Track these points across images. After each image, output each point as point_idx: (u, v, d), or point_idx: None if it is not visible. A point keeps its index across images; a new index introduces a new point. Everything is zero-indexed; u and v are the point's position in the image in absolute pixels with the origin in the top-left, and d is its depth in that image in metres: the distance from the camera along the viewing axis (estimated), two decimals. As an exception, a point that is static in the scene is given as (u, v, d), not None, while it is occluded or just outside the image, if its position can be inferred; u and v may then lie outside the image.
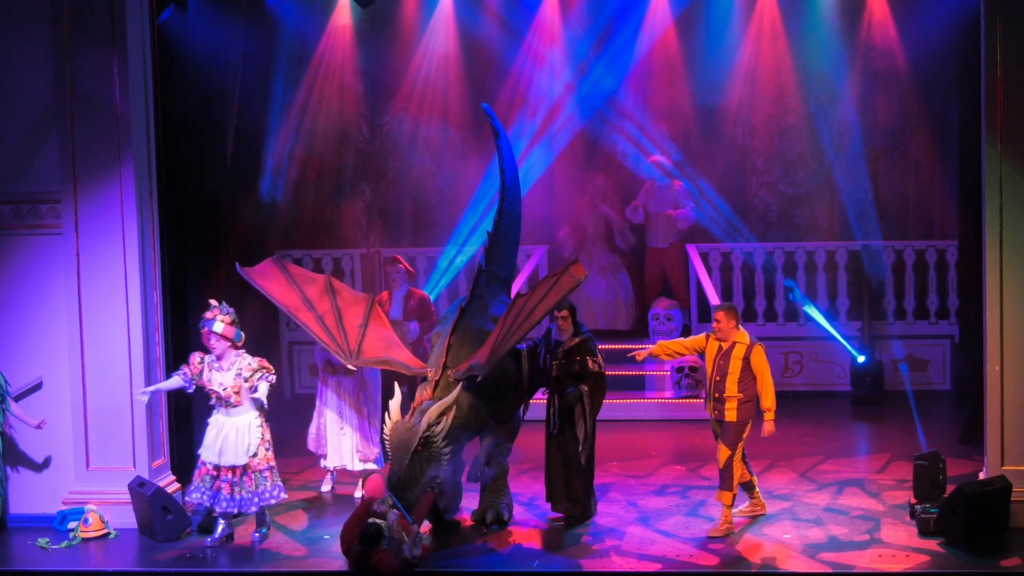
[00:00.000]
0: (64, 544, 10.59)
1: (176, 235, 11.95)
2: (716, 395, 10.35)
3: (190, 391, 10.57)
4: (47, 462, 11.13)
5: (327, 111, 15.82)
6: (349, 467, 11.66)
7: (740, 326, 10.40)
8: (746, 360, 10.24)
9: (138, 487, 10.63)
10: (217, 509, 10.35)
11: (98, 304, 10.99)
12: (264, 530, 10.56)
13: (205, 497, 10.34)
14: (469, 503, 10.91)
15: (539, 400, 11.11)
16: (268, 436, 10.47)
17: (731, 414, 10.28)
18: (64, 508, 10.98)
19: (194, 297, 12.54)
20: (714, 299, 13.90)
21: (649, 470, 12.23)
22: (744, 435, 10.34)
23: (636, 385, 14.26)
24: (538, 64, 15.65)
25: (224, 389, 10.32)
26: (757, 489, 10.69)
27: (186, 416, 11.91)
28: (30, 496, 11.04)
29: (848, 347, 14.70)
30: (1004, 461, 10.53)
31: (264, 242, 14.91)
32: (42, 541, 10.61)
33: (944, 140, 15.31)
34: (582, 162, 15.78)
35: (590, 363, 10.60)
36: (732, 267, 15.37)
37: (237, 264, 10.96)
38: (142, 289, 11.05)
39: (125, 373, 10.93)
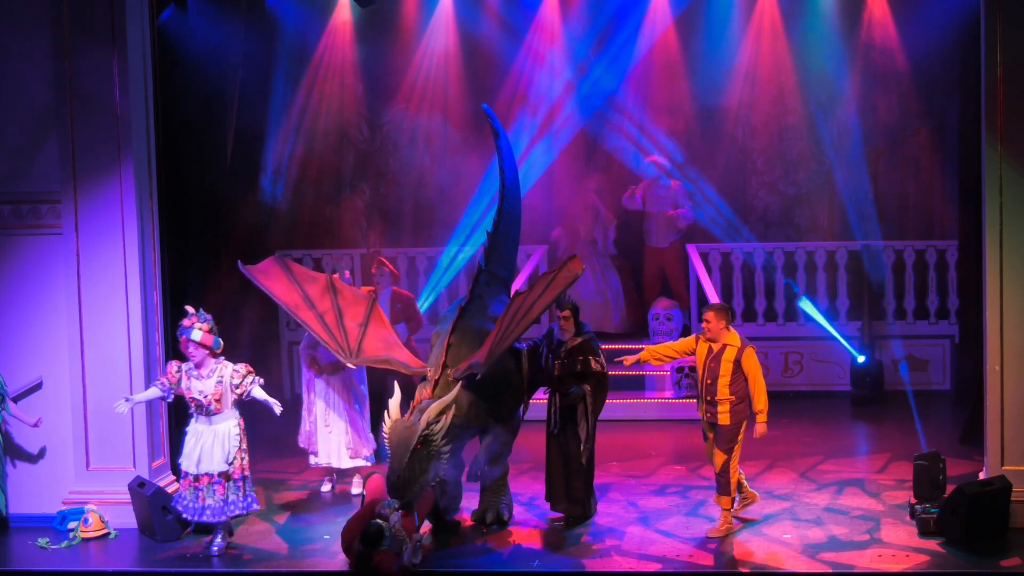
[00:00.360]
0: (64, 544, 10.59)
1: (176, 235, 11.95)
2: (708, 398, 10.33)
3: (169, 400, 10.48)
4: (47, 462, 11.13)
5: (327, 111, 15.82)
6: (335, 464, 11.69)
7: (730, 327, 10.38)
8: (737, 363, 10.22)
9: (138, 487, 10.63)
10: (192, 519, 10.23)
11: (98, 304, 10.99)
12: (223, 543, 10.32)
13: (186, 507, 10.20)
14: (469, 503, 10.91)
15: (539, 400, 11.11)
16: (245, 444, 10.35)
17: (724, 417, 10.27)
18: (64, 508, 10.99)
19: (194, 297, 12.52)
20: (714, 299, 13.89)
21: (649, 470, 12.23)
22: (739, 438, 10.33)
23: (636, 385, 14.27)
24: (538, 64, 15.65)
25: (205, 397, 10.20)
26: (745, 483, 10.65)
27: (186, 416, 11.88)
28: (30, 496, 11.04)
29: (848, 347, 14.70)
30: (1004, 461, 10.53)
31: (264, 242, 14.92)
32: (42, 541, 10.61)
33: (944, 140, 15.31)
34: (582, 162, 15.77)
35: (592, 363, 10.60)
36: (732, 267, 15.37)
37: (239, 261, 10.96)
38: (142, 289, 11.05)
39: (125, 373, 10.93)
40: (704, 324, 10.35)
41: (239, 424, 10.34)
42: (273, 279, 10.96)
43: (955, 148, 14.77)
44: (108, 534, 10.75)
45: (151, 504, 10.52)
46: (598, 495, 11.00)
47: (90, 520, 10.69)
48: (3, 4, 11.01)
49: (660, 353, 10.71)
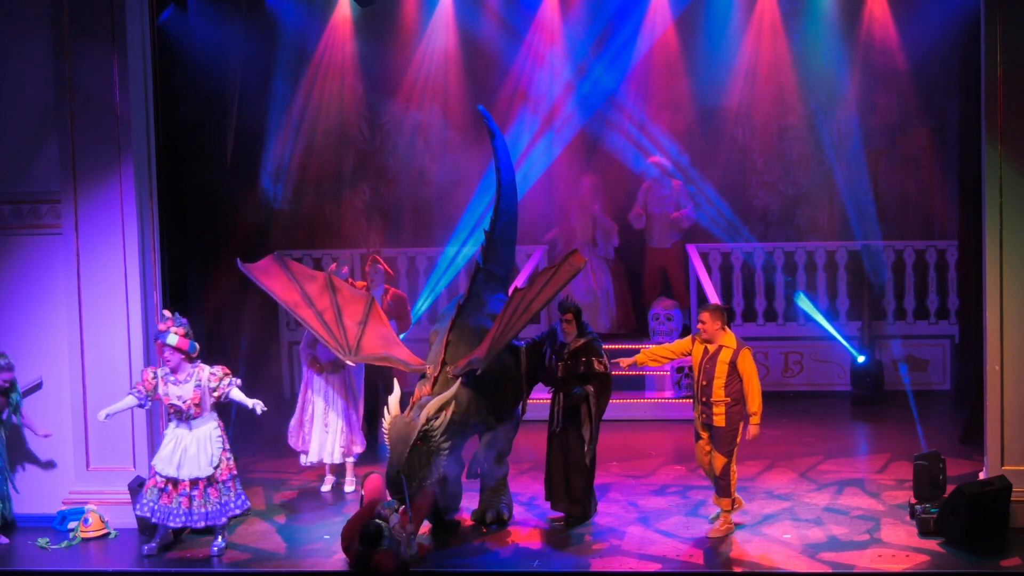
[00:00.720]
0: (64, 544, 10.59)
1: (176, 235, 11.95)
2: (703, 399, 10.33)
3: (145, 408, 10.40)
4: (47, 462, 11.13)
5: (327, 111, 15.82)
6: (327, 461, 11.70)
7: (727, 328, 10.37)
8: (732, 364, 10.21)
9: (138, 487, 10.62)
10: (172, 524, 10.17)
11: (98, 304, 10.99)
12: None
13: (152, 510, 10.12)
14: (469, 503, 10.91)
15: (538, 399, 11.11)
16: (227, 445, 10.35)
17: (719, 419, 10.26)
18: (64, 508, 10.99)
19: (194, 297, 12.57)
20: (714, 299, 13.88)
21: (649, 470, 12.23)
22: (738, 440, 10.32)
23: (636, 385, 14.26)
24: (538, 64, 15.64)
25: (184, 402, 10.16)
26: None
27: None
28: (30, 496, 11.03)
29: (848, 347, 14.70)
30: (1004, 461, 10.53)
31: (264, 242, 14.92)
32: (42, 541, 10.61)
33: (944, 140, 15.31)
34: (582, 162, 15.76)
35: (596, 364, 10.60)
36: (732, 267, 15.36)
37: (238, 260, 10.96)
38: (142, 289, 11.05)
39: (125, 373, 10.92)
40: (700, 325, 10.34)
41: (219, 426, 10.32)
42: (272, 277, 10.96)
43: (955, 148, 14.76)
44: (108, 534, 10.75)
45: (151, 504, 10.52)
46: (598, 495, 11.00)
47: (90, 520, 10.69)
48: (3, 4, 11.02)
49: (656, 355, 10.70)
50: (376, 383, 12.38)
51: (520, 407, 10.82)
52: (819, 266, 15.23)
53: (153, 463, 10.27)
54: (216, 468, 10.20)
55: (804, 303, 14.79)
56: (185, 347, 10.21)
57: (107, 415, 10.26)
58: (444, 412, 9.95)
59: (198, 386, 10.21)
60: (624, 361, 10.66)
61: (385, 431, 10.05)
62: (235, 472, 10.37)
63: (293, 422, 11.86)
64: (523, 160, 15.07)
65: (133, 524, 10.75)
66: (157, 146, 11.30)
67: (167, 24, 11.89)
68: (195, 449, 10.17)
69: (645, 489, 11.59)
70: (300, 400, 11.86)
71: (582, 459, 10.61)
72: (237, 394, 10.39)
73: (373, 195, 16.14)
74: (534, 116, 15.53)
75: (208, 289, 12.97)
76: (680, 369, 14.08)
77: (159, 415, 11.23)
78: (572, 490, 10.71)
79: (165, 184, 11.48)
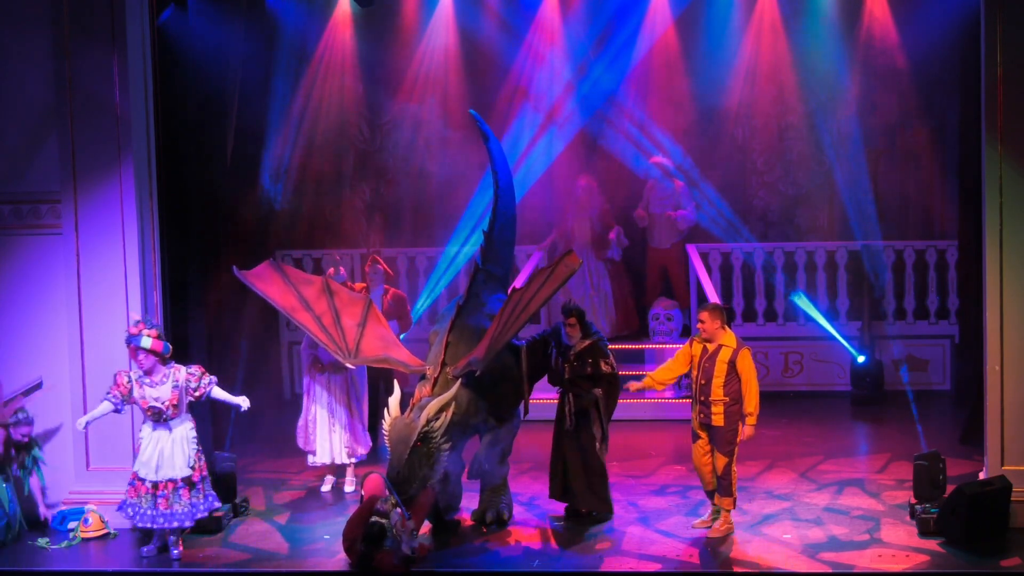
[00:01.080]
0: (64, 544, 10.59)
1: (176, 235, 11.94)
2: (702, 398, 10.33)
3: (120, 412, 10.31)
4: (47, 462, 11.11)
5: (327, 111, 15.81)
6: (338, 462, 11.73)
7: (726, 327, 10.37)
8: (731, 364, 10.21)
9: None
10: (154, 526, 10.15)
11: (98, 304, 10.99)
12: (180, 548, 10.27)
13: (143, 516, 10.09)
14: (469, 503, 10.91)
15: (540, 399, 11.11)
16: (199, 444, 10.32)
17: (718, 418, 10.26)
18: (64, 508, 10.99)
19: (194, 297, 12.54)
20: (714, 299, 13.89)
21: (649, 470, 12.23)
22: (738, 440, 10.32)
23: (636, 385, 14.24)
24: (538, 64, 15.63)
25: (163, 404, 10.09)
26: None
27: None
28: (31, 500, 11.01)
29: (848, 347, 14.70)
30: (1004, 461, 10.53)
31: (264, 242, 14.92)
32: (42, 541, 10.60)
33: (944, 140, 15.30)
34: (582, 162, 15.76)
35: (603, 365, 10.63)
36: (732, 267, 15.36)
37: (234, 267, 10.98)
38: (142, 289, 11.05)
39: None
40: (699, 324, 10.34)
41: (193, 427, 10.30)
42: (269, 283, 10.98)
43: (955, 148, 14.75)
44: (108, 534, 10.75)
45: (151, 504, 10.52)
46: (598, 495, 11.04)
47: (90, 520, 10.68)
48: (3, 4, 11.02)
49: (663, 378, 10.61)
50: (377, 384, 12.39)
51: (522, 407, 10.80)
52: (819, 266, 15.23)
53: (135, 468, 10.18)
54: (192, 469, 10.20)
55: (802, 302, 14.79)
56: (159, 349, 10.12)
57: (85, 423, 10.21)
58: (444, 413, 9.96)
59: (175, 387, 10.15)
60: (633, 385, 10.64)
61: (385, 432, 10.06)
62: (206, 473, 10.36)
63: (300, 423, 11.86)
64: (523, 160, 15.06)
65: (133, 524, 10.76)
66: (157, 146, 11.30)
67: (167, 24, 11.87)
68: (171, 450, 10.13)
69: (645, 489, 11.60)
70: (305, 401, 11.86)
71: (595, 455, 10.64)
72: (219, 392, 10.37)
73: (373, 195, 16.14)
74: (534, 116, 15.52)
75: (208, 289, 12.96)
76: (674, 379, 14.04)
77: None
78: (594, 488, 10.75)
79: (165, 184, 11.48)
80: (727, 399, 10.23)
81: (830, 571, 9.61)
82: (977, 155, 10.91)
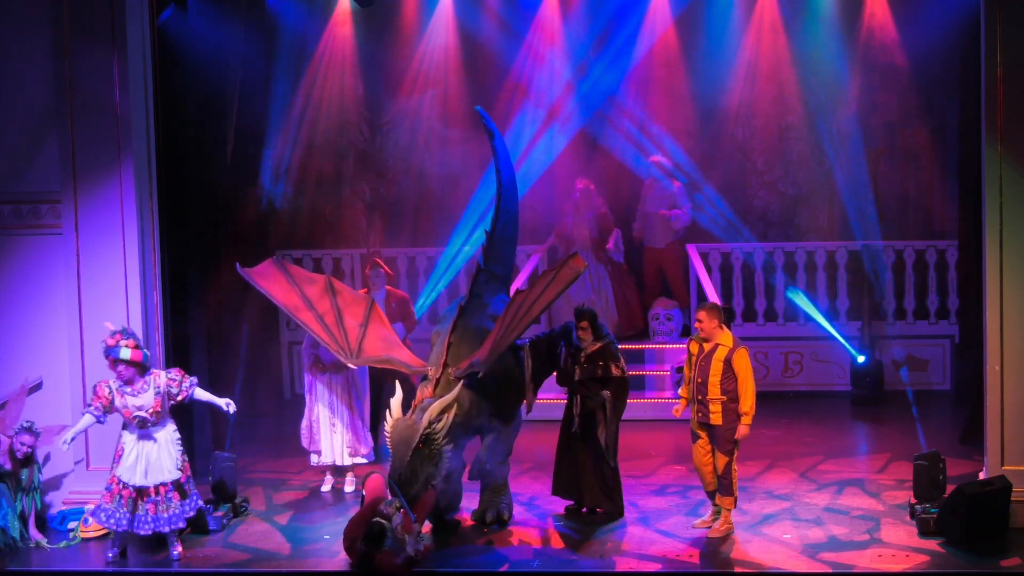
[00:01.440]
0: (63, 544, 10.59)
1: (176, 235, 11.95)
2: (699, 397, 10.32)
3: (103, 423, 10.25)
4: (47, 462, 11.11)
5: (327, 111, 15.81)
6: (339, 462, 11.73)
7: (724, 327, 10.37)
8: (727, 362, 10.20)
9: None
10: (141, 531, 10.08)
11: (98, 304, 10.99)
12: (179, 548, 10.27)
13: (120, 520, 10.02)
14: (469, 503, 10.91)
15: (544, 399, 11.10)
16: (182, 445, 10.30)
17: (716, 417, 10.25)
18: (64, 508, 10.99)
19: (194, 297, 12.55)
20: (713, 299, 13.88)
21: (649, 470, 12.23)
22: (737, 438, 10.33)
23: (636, 385, 14.15)
24: (538, 64, 15.63)
25: (147, 411, 10.02)
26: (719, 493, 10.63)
27: (187, 415, 11.90)
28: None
29: (848, 347, 14.70)
30: (1004, 461, 10.53)
31: (264, 242, 14.92)
32: (41, 541, 10.60)
33: (944, 140, 15.30)
34: (582, 162, 15.76)
35: (613, 368, 10.64)
36: (732, 267, 15.36)
37: (237, 265, 10.97)
38: (142, 289, 11.05)
39: (125, 373, 10.92)
40: (697, 324, 10.34)
41: (175, 428, 10.28)
42: (271, 281, 10.97)
43: (955, 148, 14.75)
44: (108, 534, 10.72)
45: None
46: (597, 494, 11.05)
47: (90, 520, 10.66)
48: (3, 4, 11.02)
49: (688, 390, 10.58)
50: (383, 383, 12.35)
51: (526, 405, 10.77)
52: (819, 266, 15.23)
53: (117, 473, 10.09)
54: (180, 471, 10.18)
55: (799, 299, 14.78)
56: (139, 359, 10.04)
57: (66, 441, 10.08)
58: (446, 415, 9.95)
59: (157, 393, 10.08)
60: (677, 411, 10.63)
61: (387, 434, 10.05)
62: (189, 472, 10.34)
63: (304, 423, 11.86)
64: (523, 161, 15.05)
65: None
66: (157, 146, 11.30)
67: (167, 24, 11.88)
68: (156, 454, 10.09)
69: (645, 489, 11.59)
70: (307, 401, 11.86)
71: (603, 456, 10.66)
72: (202, 394, 10.34)
73: (373, 195, 16.14)
74: (534, 116, 15.52)
75: (208, 289, 12.96)
76: (680, 369, 14.05)
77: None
78: (605, 488, 10.78)
79: (165, 184, 11.48)
80: (724, 397, 10.23)
81: (830, 571, 9.61)
82: (977, 155, 10.91)
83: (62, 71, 10.92)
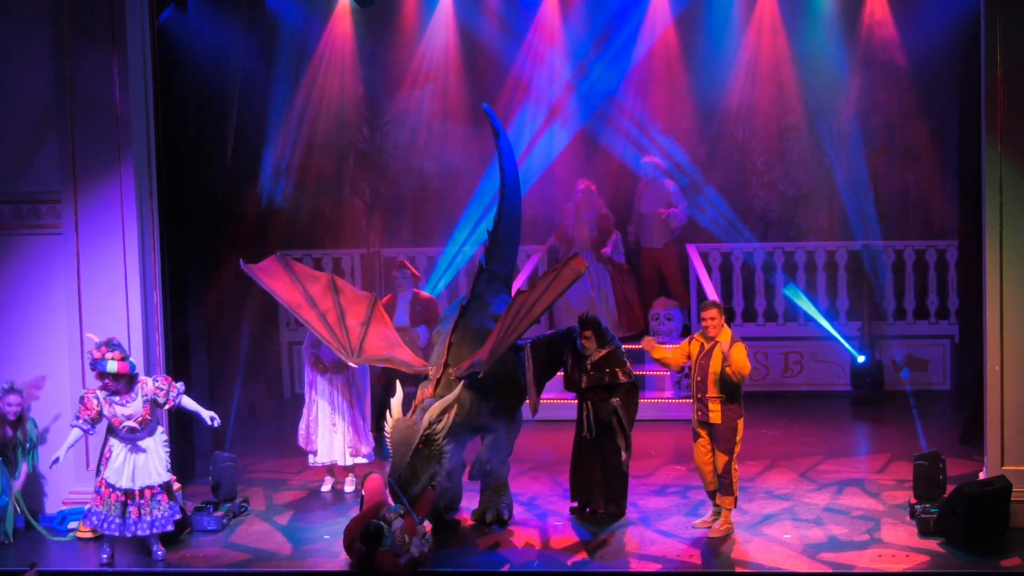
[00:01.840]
0: (57, 537, 10.60)
1: (176, 235, 11.95)
2: (699, 396, 10.33)
3: (92, 435, 10.23)
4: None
5: (327, 111, 15.80)
6: (340, 462, 11.73)
7: (725, 325, 10.39)
8: (725, 355, 10.20)
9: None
10: (128, 534, 10.06)
11: (98, 304, 10.99)
12: (163, 550, 10.24)
13: (112, 524, 10.00)
14: (469, 503, 10.91)
15: (548, 399, 11.09)
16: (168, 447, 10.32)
17: (715, 415, 10.26)
18: (64, 508, 10.99)
19: (194, 297, 12.55)
20: (713, 298, 13.87)
21: (649, 470, 12.22)
22: (738, 437, 10.33)
23: (636, 385, 14.24)
24: (538, 64, 15.63)
25: (137, 419, 9.99)
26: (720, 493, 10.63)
27: (187, 415, 11.90)
28: (30, 496, 11.02)
29: (848, 347, 14.70)
30: (1004, 461, 10.53)
31: (264, 242, 14.90)
32: (36, 523, 10.62)
33: (944, 140, 15.30)
34: (582, 163, 15.75)
35: (620, 375, 10.64)
36: (732, 267, 15.36)
37: (241, 261, 10.97)
38: (142, 289, 11.05)
39: (125, 373, 10.92)
40: (710, 321, 10.27)
41: (163, 431, 10.28)
42: (275, 278, 10.97)
43: (955, 148, 14.75)
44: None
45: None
46: (598, 494, 11.05)
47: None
48: (3, 4, 11.02)
49: (659, 358, 10.60)
50: (392, 382, 12.31)
51: (530, 407, 10.72)
52: (819, 266, 15.23)
53: (105, 476, 10.07)
54: (169, 473, 10.19)
55: (795, 295, 14.77)
56: (126, 371, 9.96)
57: (58, 458, 10.03)
58: (447, 415, 9.95)
59: (146, 401, 10.05)
60: (647, 342, 10.53)
61: (387, 435, 10.05)
62: (172, 475, 10.35)
63: (302, 423, 11.86)
64: (523, 161, 15.03)
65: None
66: (157, 146, 11.31)
67: (167, 24, 11.88)
68: (145, 458, 10.07)
69: (645, 489, 11.59)
70: (307, 401, 11.86)
71: (618, 462, 10.66)
72: (188, 402, 10.32)
73: (373, 195, 16.14)
74: (534, 116, 15.51)
75: (208, 288, 12.97)
76: (680, 369, 14.04)
77: (161, 414, 11.17)
78: (611, 491, 10.79)
79: (165, 184, 11.48)
80: (723, 395, 10.23)
81: (830, 571, 9.61)
82: (977, 155, 10.91)
83: (62, 71, 10.92)
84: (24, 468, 10.81)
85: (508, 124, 15.09)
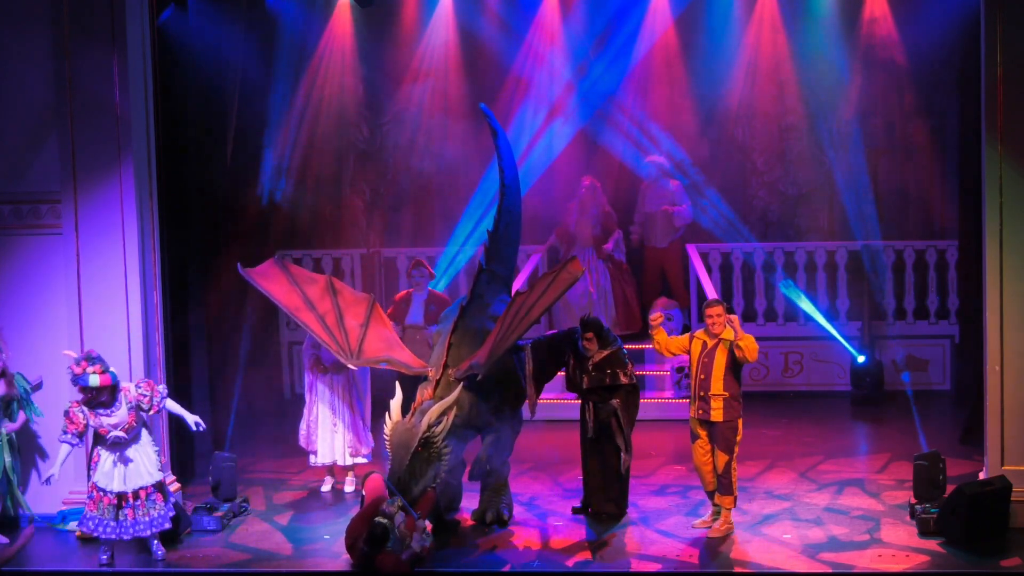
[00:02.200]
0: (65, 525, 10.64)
1: (176, 235, 11.96)
2: (701, 394, 10.32)
3: (81, 446, 10.20)
4: (47, 462, 11.12)
5: (327, 111, 15.81)
6: (340, 463, 11.74)
7: (727, 324, 10.40)
8: (731, 354, 10.20)
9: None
10: (127, 536, 10.02)
11: (98, 304, 10.99)
12: (163, 549, 10.24)
13: (107, 528, 9.97)
14: (469, 503, 10.91)
15: (548, 399, 11.09)
16: (157, 446, 10.31)
17: (717, 414, 10.25)
18: (64, 508, 10.99)
19: (194, 297, 12.55)
20: (713, 297, 13.87)
21: (649, 470, 12.22)
22: (738, 438, 10.33)
23: (637, 385, 14.24)
24: (538, 64, 15.63)
25: (124, 427, 9.94)
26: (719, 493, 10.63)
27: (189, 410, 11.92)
28: (30, 496, 11.03)
29: (848, 347, 14.70)
30: (1004, 461, 10.53)
31: (264, 242, 14.92)
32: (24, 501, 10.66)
33: (944, 140, 15.30)
34: (582, 162, 15.76)
35: (622, 376, 10.64)
36: (732, 267, 15.37)
37: (239, 265, 10.97)
38: (142, 289, 11.05)
39: (125, 373, 10.89)
40: (716, 318, 10.25)
41: (148, 432, 10.26)
42: (273, 281, 10.96)
43: (955, 148, 14.76)
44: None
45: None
46: (598, 494, 11.04)
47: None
48: (3, 4, 11.01)
49: (659, 340, 10.53)
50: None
51: (528, 407, 10.72)
52: (819, 266, 15.23)
53: (95, 480, 10.03)
54: (160, 472, 10.17)
55: (790, 291, 14.77)
56: (108, 383, 9.89)
57: (52, 476, 9.97)
58: (446, 417, 9.94)
59: (130, 408, 10.01)
60: (654, 318, 10.49)
61: (387, 437, 10.04)
62: (164, 474, 10.36)
63: (302, 423, 11.86)
64: (523, 161, 15.04)
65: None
66: (157, 146, 11.31)
67: (167, 24, 11.88)
68: (135, 459, 10.05)
69: (645, 489, 11.59)
70: (307, 401, 11.86)
71: (618, 463, 10.67)
72: (173, 406, 10.30)
73: (373, 195, 16.14)
74: (534, 116, 15.52)
75: (208, 289, 12.97)
76: (680, 369, 14.07)
77: (159, 415, 11.17)
78: (609, 491, 10.79)
79: (165, 184, 11.48)
80: (727, 394, 10.24)
81: (830, 571, 9.61)
82: (977, 155, 10.91)
83: (62, 71, 10.92)
84: (22, 417, 10.77)
85: (508, 124, 15.09)
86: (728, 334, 10.26)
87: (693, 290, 14.92)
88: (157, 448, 10.27)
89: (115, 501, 9.99)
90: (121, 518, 10.00)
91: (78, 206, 10.97)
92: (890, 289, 15.11)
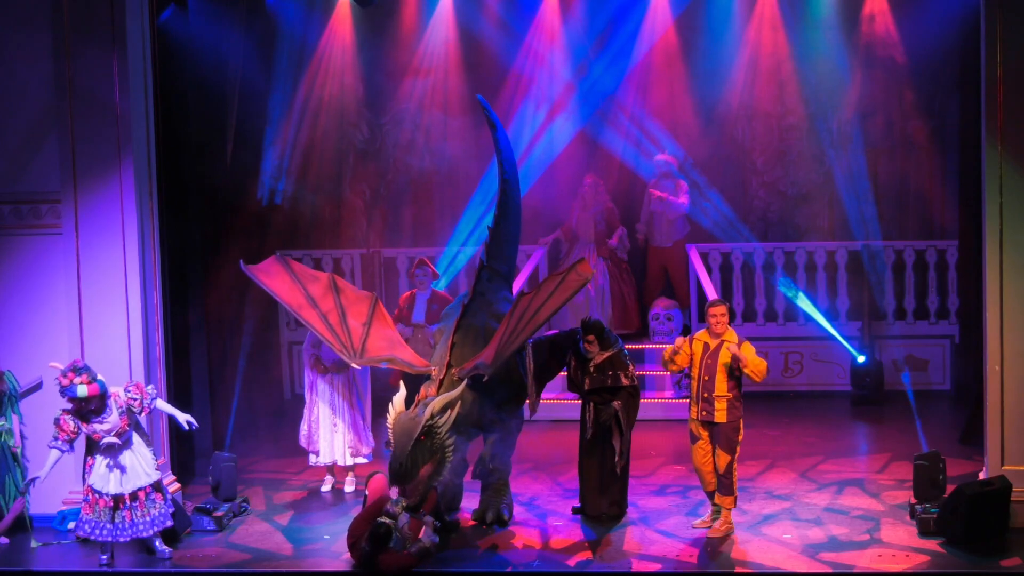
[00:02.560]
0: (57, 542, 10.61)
1: (176, 235, 11.96)
2: (704, 395, 10.32)
3: (72, 453, 10.14)
4: (33, 464, 11.10)
5: (327, 111, 15.81)
6: (340, 462, 11.73)
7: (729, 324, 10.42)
8: (734, 356, 10.20)
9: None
10: (125, 539, 10.02)
11: (98, 304, 10.99)
12: (168, 547, 10.27)
13: (104, 530, 9.96)
14: (469, 503, 10.91)
15: (549, 399, 11.08)
16: (151, 444, 10.31)
17: (720, 415, 10.25)
18: (64, 508, 10.99)
19: (194, 297, 12.55)
20: (714, 298, 13.87)
21: (649, 470, 12.23)
22: (739, 438, 10.33)
23: (637, 385, 14.23)
24: (538, 64, 15.63)
25: (116, 433, 9.92)
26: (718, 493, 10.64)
27: (189, 410, 11.92)
28: (30, 496, 11.02)
29: (848, 347, 14.70)
30: (1004, 461, 10.53)
31: (264, 242, 14.90)
32: (34, 543, 10.59)
33: (944, 140, 15.30)
34: (582, 162, 15.76)
35: (623, 378, 10.64)
36: (732, 267, 15.37)
37: (241, 262, 10.96)
38: (142, 289, 11.05)
39: (125, 373, 10.91)
40: (720, 318, 10.25)
41: (140, 434, 10.25)
42: (275, 278, 10.95)
43: (955, 148, 14.76)
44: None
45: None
46: (598, 494, 11.04)
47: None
48: (3, 4, 11.01)
49: (678, 361, 10.51)
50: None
51: (529, 407, 10.70)
52: (819, 266, 15.23)
53: (90, 483, 10.02)
54: (157, 471, 10.16)
55: (788, 290, 14.77)
56: (97, 392, 9.84)
57: (37, 477, 10.00)
58: (450, 411, 9.92)
59: (121, 412, 9.99)
60: (669, 351, 10.49)
61: (389, 427, 10.02)
62: (160, 472, 10.36)
63: (303, 423, 11.86)
64: (523, 160, 15.04)
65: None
66: (157, 146, 11.31)
67: (167, 24, 11.88)
68: (130, 460, 10.04)
69: (645, 489, 11.59)
70: (307, 401, 11.86)
71: (615, 464, 10.69)
72: (163, 406, 10.30)
73: (373, 195, 16.14)
74: (534, 116, 15.52)
75: (208, 289, 12.96)
76: (681, 369, 14.03)
77: (158, 415, 11.14)
78: (608, 492, 10.78)
79: (165, 184, 11.48)
80: (730, 395, 10.24)
81: (830, 571, 9.61)
82: (977, 155, 10.91)
83: (62, 71, 10.91)
84: (15, 419, 10.77)
85: (508, 124, 15.09)
86: (729, 336, 10.26)
87: (693, 290, 14.92)
88: (152, 447, 10.26)
89: (111, 503, 9.98)
90: (118, 520, 9.99)
91: (78, 206, 10.97)
92: (890, 289, 15.11)
